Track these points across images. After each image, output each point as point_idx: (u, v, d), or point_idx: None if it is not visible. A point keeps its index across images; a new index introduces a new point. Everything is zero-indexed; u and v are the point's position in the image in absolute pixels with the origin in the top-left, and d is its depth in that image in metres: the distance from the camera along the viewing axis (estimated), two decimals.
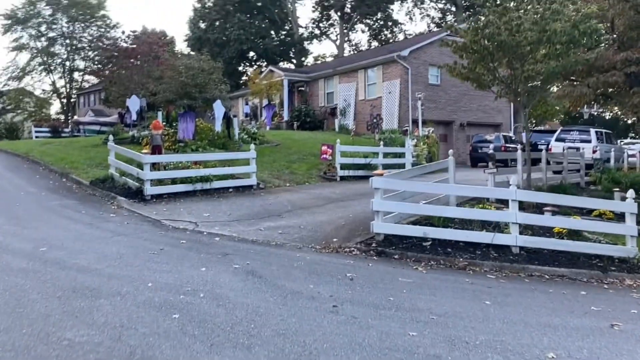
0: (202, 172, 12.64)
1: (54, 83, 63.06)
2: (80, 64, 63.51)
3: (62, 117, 62.36)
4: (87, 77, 64.27)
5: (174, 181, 12.30)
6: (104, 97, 46.94)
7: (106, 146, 21.53)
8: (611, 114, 45.25)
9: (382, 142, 18.83)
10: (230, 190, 13.17)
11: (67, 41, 61.94)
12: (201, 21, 55.99)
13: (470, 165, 28.25)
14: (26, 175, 15.19)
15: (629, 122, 47.78)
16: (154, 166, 12.34)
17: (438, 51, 30.75)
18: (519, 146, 28.29)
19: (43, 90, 64.76)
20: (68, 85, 63.77)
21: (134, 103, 22.63)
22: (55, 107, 67.16)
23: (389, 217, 8.63)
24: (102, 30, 61.03)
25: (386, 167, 18.28)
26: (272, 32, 57.52)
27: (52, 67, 62.78)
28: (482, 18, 9.54)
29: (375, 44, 59.02)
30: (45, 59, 61.83)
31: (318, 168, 17.78)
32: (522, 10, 9.46)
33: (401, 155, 19.17)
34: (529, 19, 9.04)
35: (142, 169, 11.79)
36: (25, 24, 60.39)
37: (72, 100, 63.92)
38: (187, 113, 17.39)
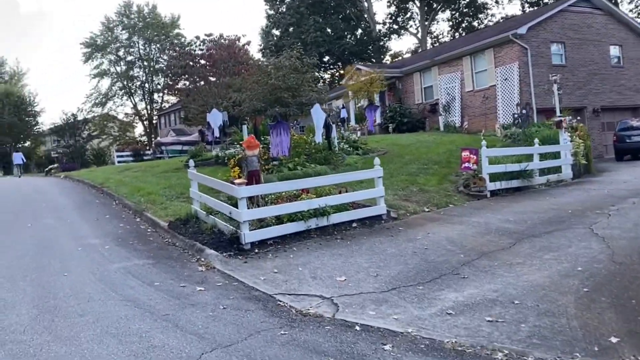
0: (316, 202, 8.98)
1: (135, 105, 63.12)
2: (159, 84, 63.22)
3: (145, 138, 62.11)
4: (166, 97, 63.96)
5: (279, 219, 8.72)
6: (184, 115, 45.39)
7: (187, 170, 18.72)
8: None
9: (536, 142, 14.31)
10: (354, 225, 9.43)
11: (145, 63, 61.80)
12: (275, 28, 53.41)
13: (616, 159, 23.06)
14: (94, 215, 12.27)
15: None
16: (251, 200, 8.85)
17: (559, 25, 25.80)
18: None
19: (125, 113, 64.97)
20: (149, 107, 63.65)
21: (215, 117, 19.62)
22: (138, 129, 67.35)
23: None
24: (178, 48, 60.36)
25: (542, 172, 13.90)
26: (348, 32, 53.95)
27: (132, 90, 62.87)
28: None
29: (457, 35, 53.98)
30: (125, 82, 62.01)
31: (450, 180, 13.73)
32: None
33: (555, 155, 14.66)
34: None
35: (237, 207, 8.31)
36: (105, 49, 60.81)
37: (153, 121, 63.69)
38: (280, 124, 13.92)
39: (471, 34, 41.28)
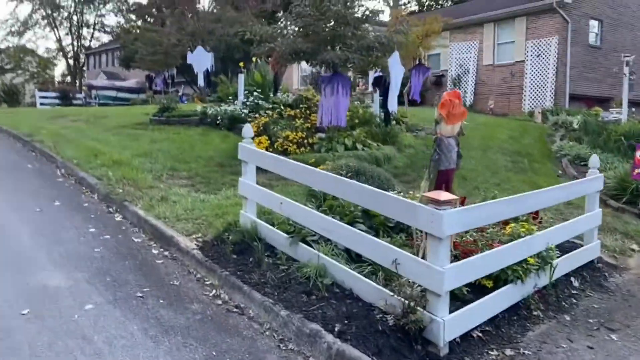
0: (540, 241, 4.44)
1: (59, 40, 54.24)
2: (90, 18, 54.81)
3: (69, 79, 53.70)
4: (97, 34, 55.73)
5: (490, 281, 4.10)
6: (123, 56, 38.46)
7: (159, 127, 13.36)
8: None
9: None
10: (574, 282, 5.01)
11: None
12: None
13: None
14: (32, 199, 7.03)
15: None
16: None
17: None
18: None
19: (47, 48, 56.00)
20: (75, 43, 54.98)
21: (199, 59, 14.35)
22: (60, 68, 58.54)
23: None
24: None
25: None
26: None
27: (57, 22, 53.82)
28: None
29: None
30: (49, 11, 52.80)
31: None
32: None
33: None
34: None
35: (425, 253, 3.62)
36: None
37: (80, 61, 55.21)
38: (338, 77, 9.07)
39: None
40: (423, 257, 3.82)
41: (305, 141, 9.21)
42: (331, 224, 4.38)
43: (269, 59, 13.56)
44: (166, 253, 5.39)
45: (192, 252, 5.14)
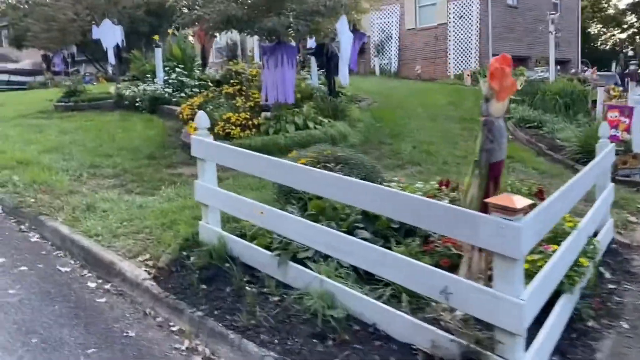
0: (583, 235, 3.72)
1: None
2: None
3: None
4: None
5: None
6: (13, 35, 34.41)
7: (66, 115, 11.64)
8: None
9: None
10: (607, 275, 4.36)
11: None
12: None
13: None
14: None
15: None
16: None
17: None
18: None
19: None
20: None
21: (107, 34, 12.54)
22: None
23: None
24: None
25: None
26: None
27: None
28: None
29: None
30: None
31: (520, 149, 9.32)
32: None
33: None
34: None
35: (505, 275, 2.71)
36: None
37: None
38: (282, 47, 7.93)
39: None
40: (484, 282, 2.93)
41: (250, 122, 8.03)
42: (338, 239, 3.36)
43: (189, 30, 12.11)
44: (107, 286, 4.15)
45: (144, 283, 3.94)
